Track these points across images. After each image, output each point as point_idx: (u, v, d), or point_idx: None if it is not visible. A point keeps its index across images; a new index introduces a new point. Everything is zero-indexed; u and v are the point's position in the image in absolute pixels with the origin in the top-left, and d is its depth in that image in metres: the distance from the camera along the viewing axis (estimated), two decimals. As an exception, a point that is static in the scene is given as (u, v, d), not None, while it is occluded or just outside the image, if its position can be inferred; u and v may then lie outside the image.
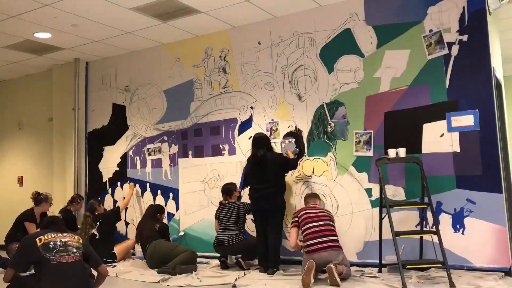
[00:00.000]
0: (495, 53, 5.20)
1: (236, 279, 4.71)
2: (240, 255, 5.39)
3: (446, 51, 4.85)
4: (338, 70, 5.47)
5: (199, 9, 5.61)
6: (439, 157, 4.82)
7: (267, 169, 5.11)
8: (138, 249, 6.11)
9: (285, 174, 5.42)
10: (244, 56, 6.15)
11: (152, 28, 6.21)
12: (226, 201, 5.61)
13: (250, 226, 5.72)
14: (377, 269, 4.83)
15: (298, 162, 5.55)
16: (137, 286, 4.91)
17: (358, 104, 5.29)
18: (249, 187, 5.36)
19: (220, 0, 5.38)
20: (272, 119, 5.85)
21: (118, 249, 6.15)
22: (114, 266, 5.78)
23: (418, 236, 4.79)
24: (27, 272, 3.54)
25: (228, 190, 5.65)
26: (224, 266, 5.40)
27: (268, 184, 5.08)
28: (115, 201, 7.08)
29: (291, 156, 5.45)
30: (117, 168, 7.15)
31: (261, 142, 5.24)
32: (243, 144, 6.01)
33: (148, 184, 6.82)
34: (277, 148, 5.73)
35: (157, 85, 6.89)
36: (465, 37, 4.78)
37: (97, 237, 6.03)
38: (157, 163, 6.76)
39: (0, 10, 5.46)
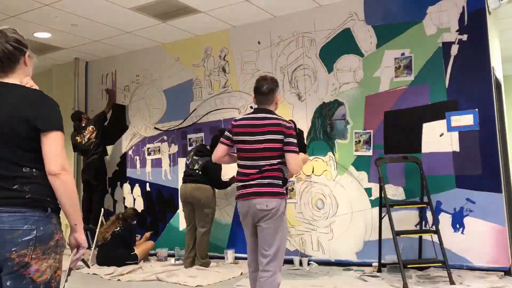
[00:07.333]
0: (495, 53, 5.20)
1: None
2: None
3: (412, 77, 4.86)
4: (338, 69, 5.47)
5: (199, 9, 5.61)
6: (438, 156, 4.82)
7: None
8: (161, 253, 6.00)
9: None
10: (244, 56, 6.15)
11: (152, 28, 6.21)
12: None
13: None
14: (371, 268, 4.85)
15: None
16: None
17: (358, 104, 5.30)
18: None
19: (220, 0, 5.38)
20: None
21: (139, 250, 5.80)
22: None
23: (417, 236, 4.80)
24: None
25: None
26: None
27: None
28: (115, 201, 7.08)
29: None
30: (117, 168, 7.15)
31: None
32: (243, 144, 6.00)
33: (147, 184, 6.82)
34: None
35: (157, 85, 6.89)
36: (464, 37, 4.78)
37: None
38: (156, 163, 6.76)
39: (0, 10, 5.46)
